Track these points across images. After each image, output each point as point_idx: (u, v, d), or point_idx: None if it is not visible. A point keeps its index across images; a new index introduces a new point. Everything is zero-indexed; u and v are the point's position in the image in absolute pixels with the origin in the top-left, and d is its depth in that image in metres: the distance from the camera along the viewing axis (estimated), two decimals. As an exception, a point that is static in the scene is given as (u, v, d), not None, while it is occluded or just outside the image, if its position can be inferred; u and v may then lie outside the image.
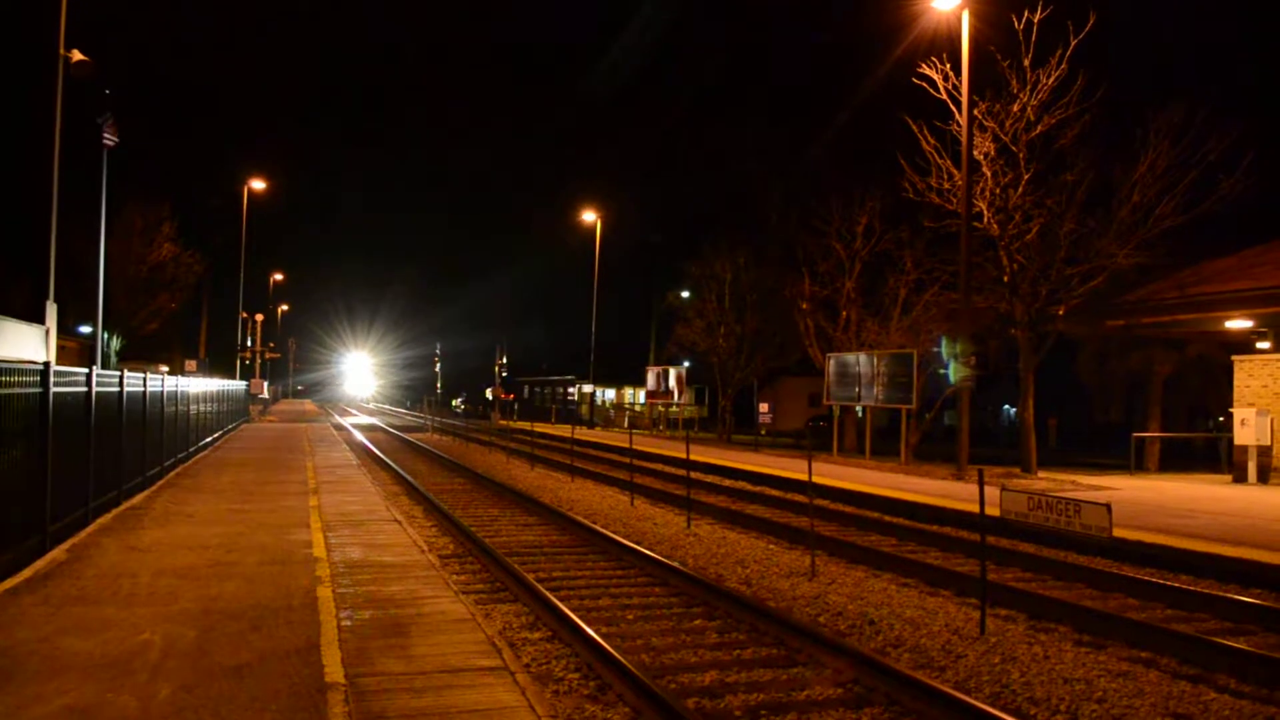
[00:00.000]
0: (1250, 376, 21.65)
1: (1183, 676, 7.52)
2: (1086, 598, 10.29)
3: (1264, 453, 20.90)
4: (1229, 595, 9.92)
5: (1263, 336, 21.87)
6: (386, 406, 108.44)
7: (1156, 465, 29.51)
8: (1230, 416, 22.02)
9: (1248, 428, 20.84)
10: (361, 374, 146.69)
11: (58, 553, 9.51)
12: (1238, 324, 21.76)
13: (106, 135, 20.43)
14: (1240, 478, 21.09)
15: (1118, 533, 11.40)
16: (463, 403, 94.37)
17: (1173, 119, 21.82)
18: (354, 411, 77.28)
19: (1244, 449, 21.05)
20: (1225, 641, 8.09)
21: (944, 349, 21.30)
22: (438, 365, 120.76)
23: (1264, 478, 20.75)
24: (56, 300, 18.77)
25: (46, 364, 9.36)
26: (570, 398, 66.86)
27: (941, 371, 21.37)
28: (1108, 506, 8.05)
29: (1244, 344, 22.66)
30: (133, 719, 5.06)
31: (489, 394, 74.72)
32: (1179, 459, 31.43)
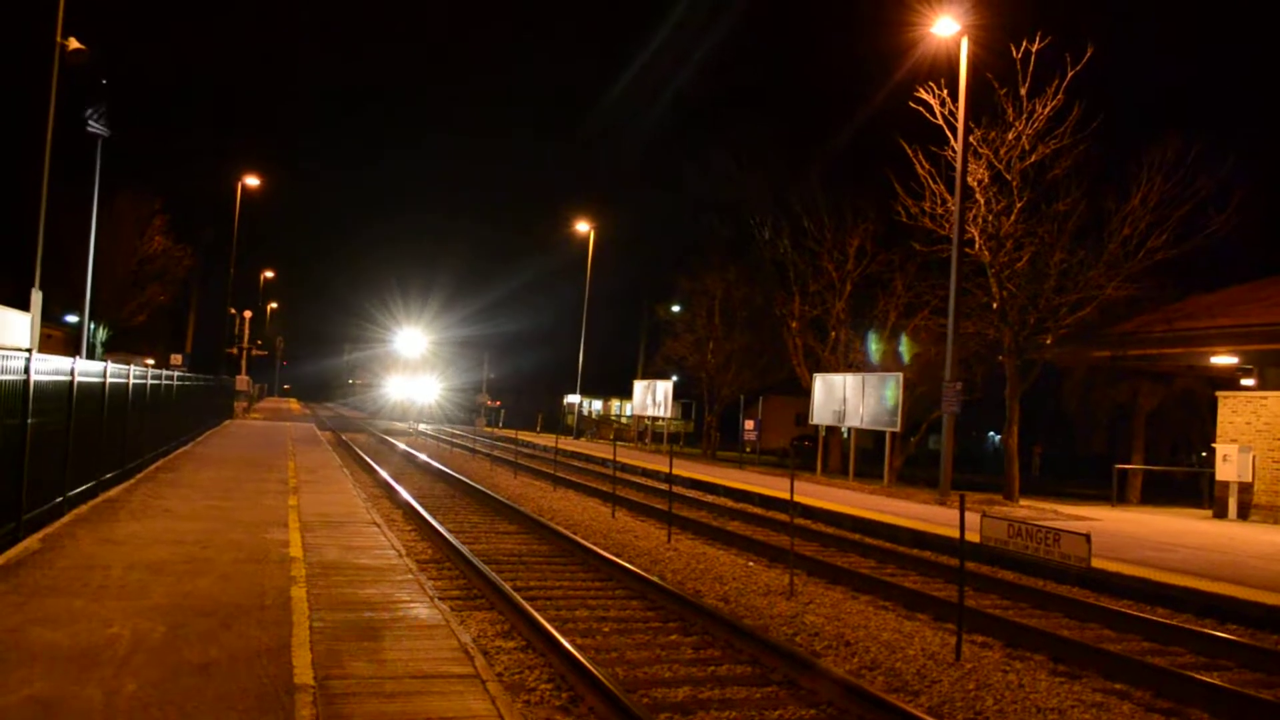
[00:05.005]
0: (1234, 413, 21.74)
1: (1156, 710, 7.51)
2: (1063, 627, 10.28)
3: (1245, 489, 20.98)
4: (1206, 630, 9.92)
5: (1248, 373, 22.02)
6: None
7: (1138, 497, 29.63)
8: (1213, 452, 22.11)
9: (1230, 464, 20.93)
10: (415, 364, 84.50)
11: (31, 542, 9.42)
12: (1223, 360, 21.89)
13: (94, 124, 20.24)
14: (1221, 513, 21.16)
15: (1097, 563, 11.41)
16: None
17: (1166, 154, 21.97)
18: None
19: (1225, 485, 21.14)
20: (1200, 676, 8.07)
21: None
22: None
23: (1244, 514, 20.83)
24: (43, 289, 18.65)
25: (29, 350, 9.31)
26: (558, 407, 66.83)
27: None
28: (1087, 537, 8.07)
29: (1229, 380, 22.80)
30: (97, 712, 5.00)
31: (476, 400, 74.53)
32: (1161, 492, 31.54)
